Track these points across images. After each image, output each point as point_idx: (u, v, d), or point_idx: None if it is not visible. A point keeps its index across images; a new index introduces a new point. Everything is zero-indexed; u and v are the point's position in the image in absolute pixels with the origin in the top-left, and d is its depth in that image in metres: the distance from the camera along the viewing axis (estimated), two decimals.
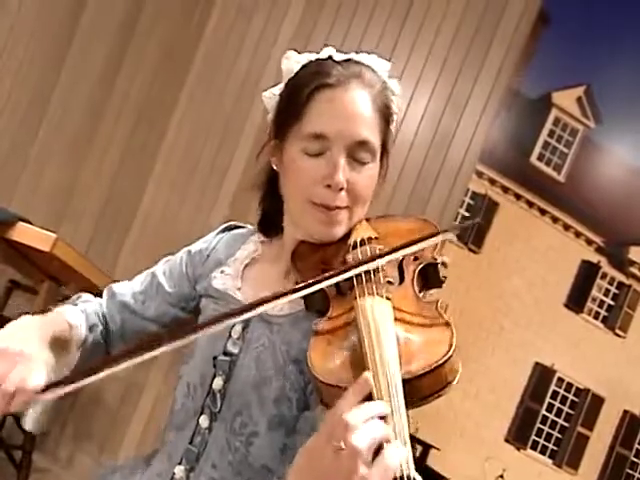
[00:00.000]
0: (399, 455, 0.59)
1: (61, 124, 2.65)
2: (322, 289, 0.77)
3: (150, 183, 2.58)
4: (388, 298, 0.73)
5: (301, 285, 0.76)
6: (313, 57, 0.87)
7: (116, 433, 2.46)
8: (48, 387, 0.76)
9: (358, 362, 0.65)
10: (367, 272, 0.76)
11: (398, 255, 0.76)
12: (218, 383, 0.84)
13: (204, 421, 0.85)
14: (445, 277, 0.78)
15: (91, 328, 0.96)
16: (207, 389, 0.85)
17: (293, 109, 0.84)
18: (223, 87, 2.45)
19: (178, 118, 2.55)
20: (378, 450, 0.58)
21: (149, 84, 2.63)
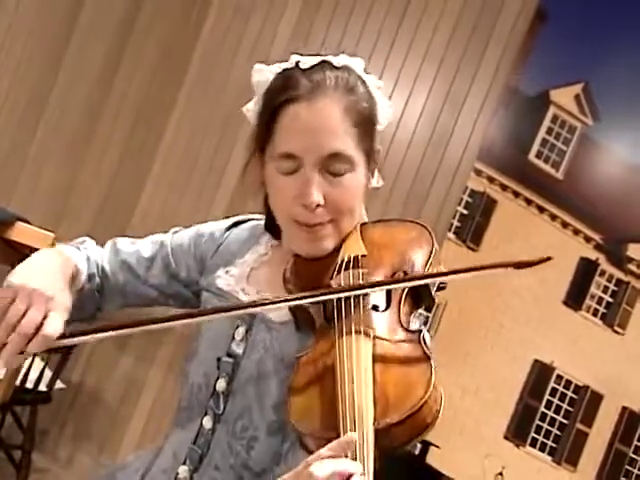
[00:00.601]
0: None
1: (59, 124, 2.64)
2: (309, 312, 0.76)
3: (148, 183, 2.58)
4: (368, 335, 0.71)
5: (274, 300, 0.76)
6: (281, 67, 0.86)
7: (116, 433, 2.46)
8: (66, 335, 0.74)
9: (332, 411, 0.64)
10: (350, 298, 0.74)
11: (383, 288, 0.74)
12: (221, 385, 0.84)
13: (207, 422, 0.84)
14: (437, 295, 0.75)
15: (90, 277, 0.95)
16: (211, 390, 0.85)
17: (265, 127, 0.84)
18: (221, 87, 2.45)
19: (176, 118, 2.55)
20: None
21: (147, 84, 2.63)
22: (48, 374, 2.27)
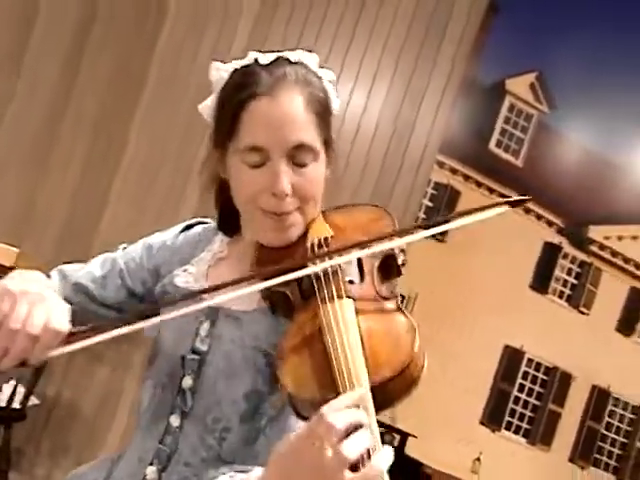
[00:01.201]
0: (383, 465, 0.60)
1: (17, 141, 2.60)
2: (284, 293, 0.77)
3: (111, 198, 2.56)
4: (350, 297, 0.74)
5: (252, 277, 0.77)
6: (239, 64, 0.87)
7: (94, 445, 2.44)
8: (76, 332, 0.73)
9: (327, 373, 0.65)
10: (327, 274, 0.76)
11: (354, 257, 0.76)
12: (188, 382, 0.84)
13: (175, 420, 0.84)
14: (404, 264, 0.79)
15: None
16: (177, 388, 0.85)
17: (227, 123, 0.84)
18: (180, 97, 2.44)
19: (136, 132, 2.53)
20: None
21: (104, 98, 2.60)
22: (21, 390, 2.24)
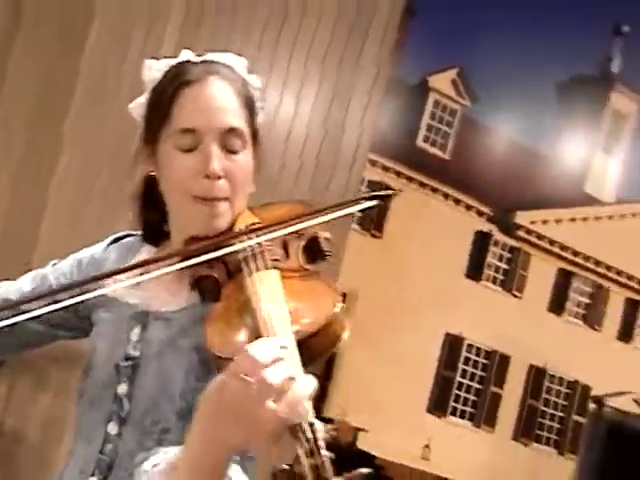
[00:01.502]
0: (306, 391, 0.61)
1: None
2: (211, 276, 0.79)
3: (47, 212, 2.49)
4: (275, 267, 0.77)
5: (174, 256, 0.79)
6: (172, 62, 0.90)
7: (43, 471, 2.37)
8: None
9: (254, 333, 0.68)
10: (253, 253, 0.79)
11: (279, 233, 0.79)
12: (123, 388, 0.84)
13: (113, 428, 0.84)
14: (329, 251, 0.82)
15: None
16: (112, 396, 0.85)
17: (160, 111, 0.86)
18: (109, 105, 2.40)
19: (68, 142, 2.48)
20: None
21: (32, 113, 2.53)
22: None
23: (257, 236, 0.80)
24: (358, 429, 11.55)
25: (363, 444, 12.59)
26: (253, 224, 0.83)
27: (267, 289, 0.73)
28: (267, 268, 0.76)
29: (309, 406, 0.61)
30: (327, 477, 0.58)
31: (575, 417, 15.11)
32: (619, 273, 14.51)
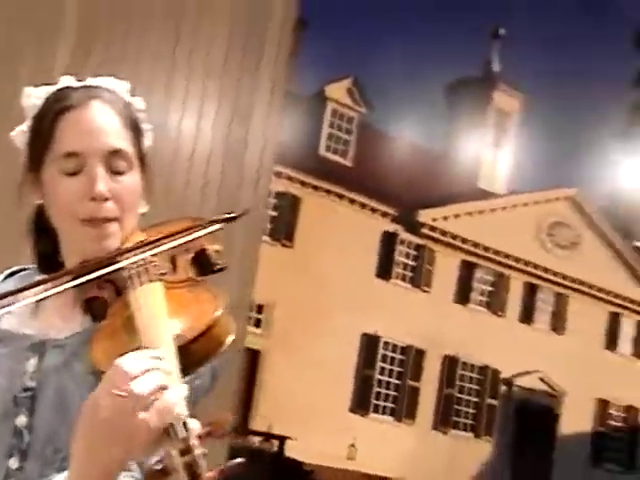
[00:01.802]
0: (176, 398, 0.63)
1: None
2: (101, 297, 0.81)
3: None
4: (159, 280, 0.79)
5: (62, 276, 0.80)
6: (52, 89, 0.90)
7: None
8: None
9: (135, 347, 0.69)
10: (138, 269, 0.81)
11: (164, 247, 0.81)
12: (22, 420, 0.82)
13: (14, 463, 0.82)
14: (219, 263, 0.84)
15: None
16: (12, 430, 0.83)
17: (43, 137, 0.87)
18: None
19: None
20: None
21: None
22: None
23: (143, 252, 0.81)
24: (284, 438, 11.05)
25: (291, 452, 12.56)
26: (139, 241, 0.84)
27: (149, 302, 0.75)
28: (151, 281, 0.78)
29: (182, 409, 0.63)
30: (200, 473, 0.60)
31: (488, 400, 15.83)
32: (517, 260, 15.41)
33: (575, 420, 15.00)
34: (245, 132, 2.45)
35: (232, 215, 0.84)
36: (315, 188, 11.93)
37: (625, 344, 16.01)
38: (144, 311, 0.73)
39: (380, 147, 14.49)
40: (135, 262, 0.80)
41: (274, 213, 11.45)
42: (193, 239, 0.81)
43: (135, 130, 0.89)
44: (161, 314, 0.73)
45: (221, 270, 0.83)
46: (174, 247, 0.81)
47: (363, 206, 12.65)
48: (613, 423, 15.85)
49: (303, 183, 11.80)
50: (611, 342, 15.83)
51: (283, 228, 11.75)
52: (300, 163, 11.12)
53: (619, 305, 15.82)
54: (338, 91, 12.33)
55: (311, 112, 12.06)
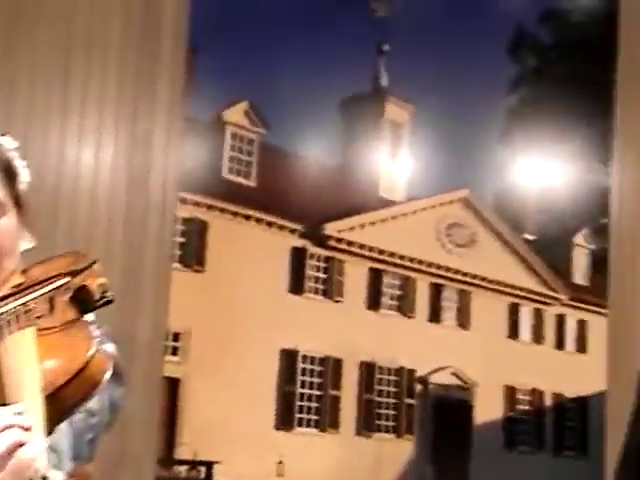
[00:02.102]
0: (33, 453, 0.63)
1: None
2: None
3: None
4: (30, 326, 0.77)
5: None
6: None
7: None
8: None
9: (1, 401, 0.69)
10: (10, 317, 0.79)
11: (32, 295, 0.80)
12: None
13: None
14: (105, 297, 0.83)
15: None
16: None
17: None
18: None
19: None
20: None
21: None
22: None
23: (15, 300, 0.80)
24: (211, 463, 10.71)
25: (219, 476, 12.24)
26: (17, 286, 0.83)
27: (18, 352, 0.74)
28: (21, 329, 0.77)
29: (42, 462, 0.64)
30: None
31: (407, 400, 16.26)
32: (420, 262, 16.00)
33: (487, 409, 15.74)
34: (146, 160, 2.45)
35: (93, 261, 0.82)
36: (222, 211, 11.86)
37: (525, 332, 17.02)
38: (9, 364, 0.72)
39: (282, 166, 14.63)
40: (5, 311, 0.78)
41: (183, 239, 11.22)
42: (59, 286, 0.80)
43: (7, 172, 0.87)
44: (29, 363, 0.72)
45: (108, 303, 0.82)
46: (44, 293, 0.80)
47: (270, 224, 12.72)
48: (521, 407, 16.77)
49: (209, 207, 11.70)
50: (513, 331, 16.77)
51: (193, 253, 11.57)
52: (205, 187, 11.03)
53: (517, 296, 16.80)
54: (235, 114, 12.44)
55: (211, 137, 12.01)
